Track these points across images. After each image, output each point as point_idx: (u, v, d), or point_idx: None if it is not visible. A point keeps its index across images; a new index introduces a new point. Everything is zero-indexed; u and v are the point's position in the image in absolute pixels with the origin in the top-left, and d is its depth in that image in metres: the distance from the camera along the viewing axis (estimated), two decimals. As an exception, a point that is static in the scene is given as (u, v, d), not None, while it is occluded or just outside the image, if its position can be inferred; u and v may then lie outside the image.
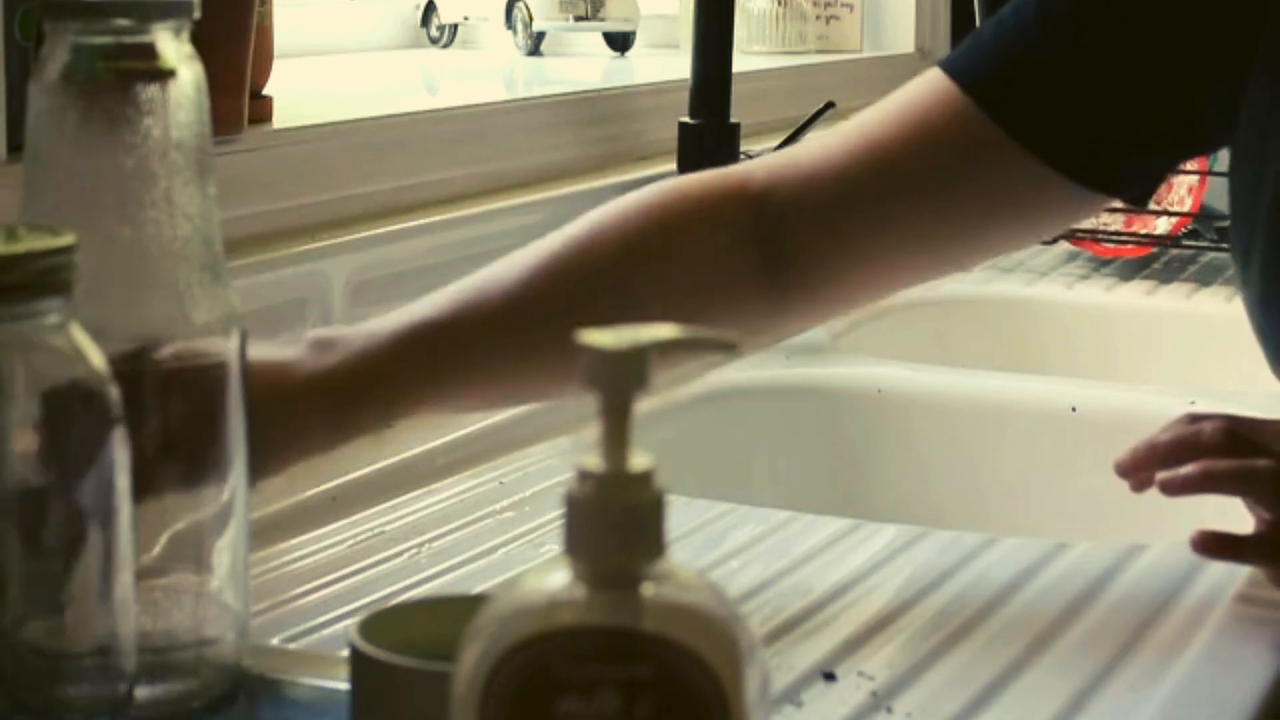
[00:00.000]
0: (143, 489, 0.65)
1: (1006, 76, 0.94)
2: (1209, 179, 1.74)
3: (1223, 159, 1.76)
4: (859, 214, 0.95)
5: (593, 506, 0.50)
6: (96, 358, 0.63)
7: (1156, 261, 1.81)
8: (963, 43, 0.98)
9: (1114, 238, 1.78)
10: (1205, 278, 1.75)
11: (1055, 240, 1.80)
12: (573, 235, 0.95)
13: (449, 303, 0.92)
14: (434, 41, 1.99)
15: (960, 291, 1.70)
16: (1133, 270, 1.78)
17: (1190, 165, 1.74)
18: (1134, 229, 1.78)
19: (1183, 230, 1.76)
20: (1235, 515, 1.24)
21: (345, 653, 0.64)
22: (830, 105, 1.61)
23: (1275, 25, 0.92)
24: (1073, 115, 0.93)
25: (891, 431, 1.36)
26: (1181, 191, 1.76)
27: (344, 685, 0.65)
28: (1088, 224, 1.79)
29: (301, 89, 1.39)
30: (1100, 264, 1.80)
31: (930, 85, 0.96)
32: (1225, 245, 1.77)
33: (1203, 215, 1.77)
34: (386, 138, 1.24)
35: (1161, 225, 1.77)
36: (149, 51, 0.71)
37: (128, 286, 0.70)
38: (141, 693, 0.69)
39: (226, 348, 0.72)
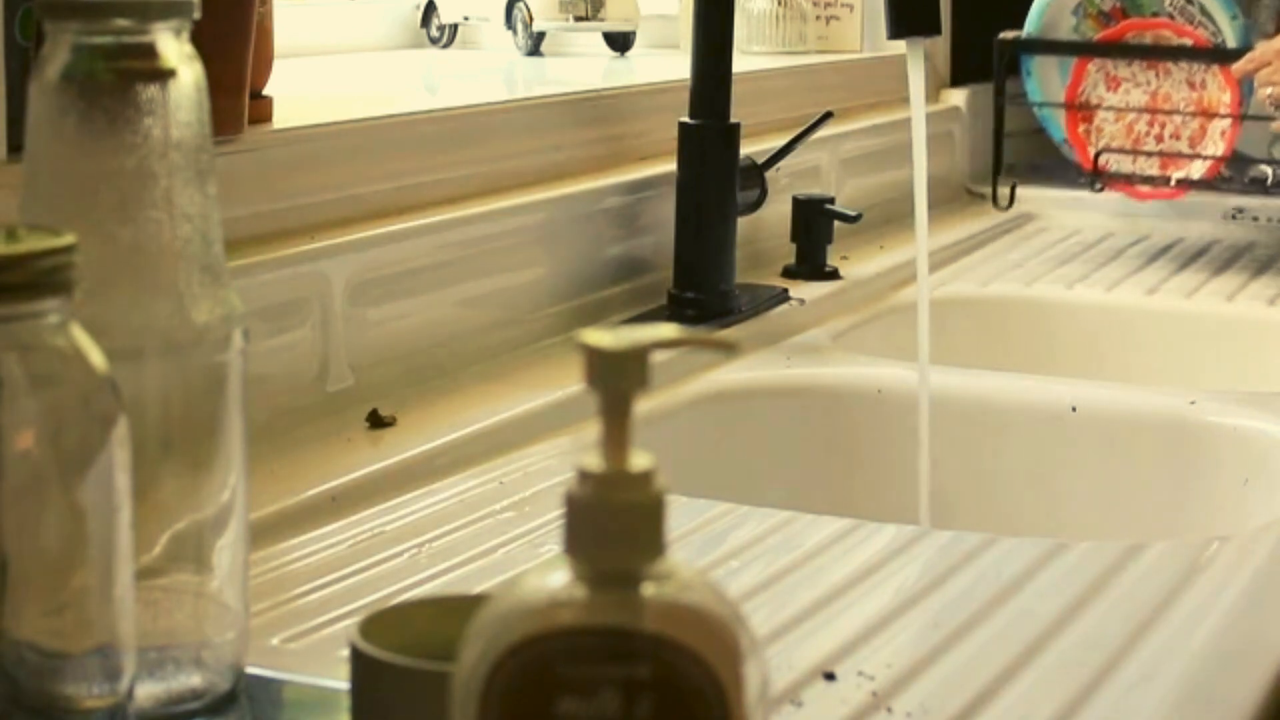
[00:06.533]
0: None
1: None
2: (1242, 124, 1.77)
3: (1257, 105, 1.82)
4: None
5: (593, 506, 0.50)
6: (96, 358, 0.63)
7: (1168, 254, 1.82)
8: None
9: (1149, 181, 1.82)
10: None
11: (1100, 188, 1.83)
12: None
13: None
14: (434, 41, 1.99)
15: (960, 291, 1.70)
16: (1143, 259, 1.79)
17: (1223, 110, 1.77)
18: (1168, 173, 1.82)
19: (1216, 175, 1.80)
20: (1232, 515, 1.24)
21: (345, 653, 0.64)
22: (829, 115, 1.61)
23: None
24: None
25: (891, 431, 1.36)
26: (1215, 136, 1.79)
27: (344, 685, 0.65)
28: (1125, 167, 1.84)
29: (301, 89, 1.39)
30: (1101, 264, 1.80)
31: None
32: (1254, 191, 1.82)
33: (1235, 159, 1.81)
34: (386, 138, 1.24)
35: (1196, 169, 1.81)
36: (149, 51, 0.71)
37: (128, 286, 0.70)
38: (141, 692, 0.69)
39: (227, 347, 0.72)
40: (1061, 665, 0.81)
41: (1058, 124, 1.90)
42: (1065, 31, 1.92)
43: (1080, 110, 1.86)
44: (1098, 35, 1.88)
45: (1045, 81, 1.93)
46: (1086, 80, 1.88)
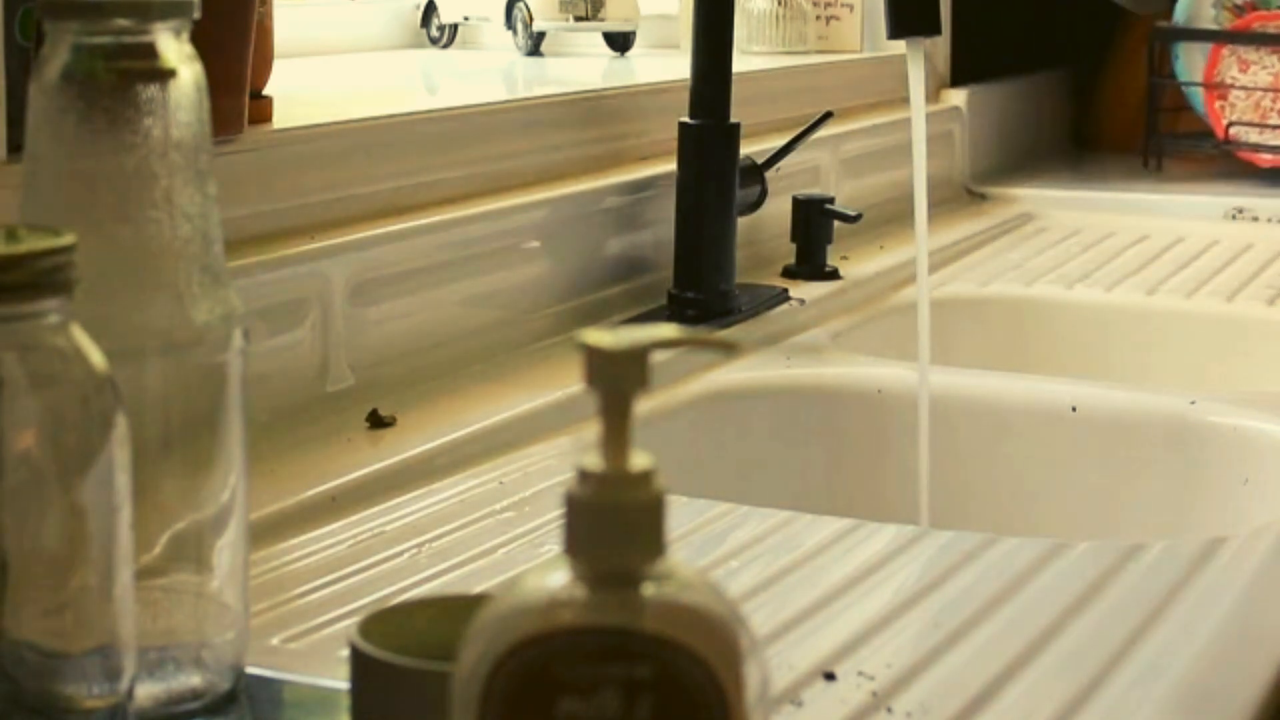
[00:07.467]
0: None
1: None
2: None
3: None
4: None
5: (593, 506, 0.50)
6: (96, 358, 0.63)
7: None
8: None
9: (1274, 150, 2.11)
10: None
11: (1227, 148, 2.13)
12: None
13: None
14: (434, 41, 1.99)
15: (960, 291, 1.70)
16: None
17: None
18: None
19: None
20: (1232, 515, 1.24)
21: (345, 653, 0.64)
22: (829, 115, 1.61)
23: None
24: None
25: (891, 431, 1.36)
26: None
27: (344, 685, 0.65)
28: (1254, 137, 2.12)
29: (301, 89, 1.39)
30: (1101, 264, 1.80)
31: None
32: None
33: None
34: (386, 138, 1.24)
35: None
36: (149, 51, 0.71)
37: (128, 286, 0.70)
38: (141, 692, 0.69)
39: (227, 347, 0.72)
40: (1061, 665, 0.81)
41: (1199, 99, 2.19)
42: (1206, 21, 2.21)
43: (1215, 89, 2.16)
44: (1231, 25, 2.17)
45: (1190, 63, 2.21)
46: (1221, 63, 2.17)
